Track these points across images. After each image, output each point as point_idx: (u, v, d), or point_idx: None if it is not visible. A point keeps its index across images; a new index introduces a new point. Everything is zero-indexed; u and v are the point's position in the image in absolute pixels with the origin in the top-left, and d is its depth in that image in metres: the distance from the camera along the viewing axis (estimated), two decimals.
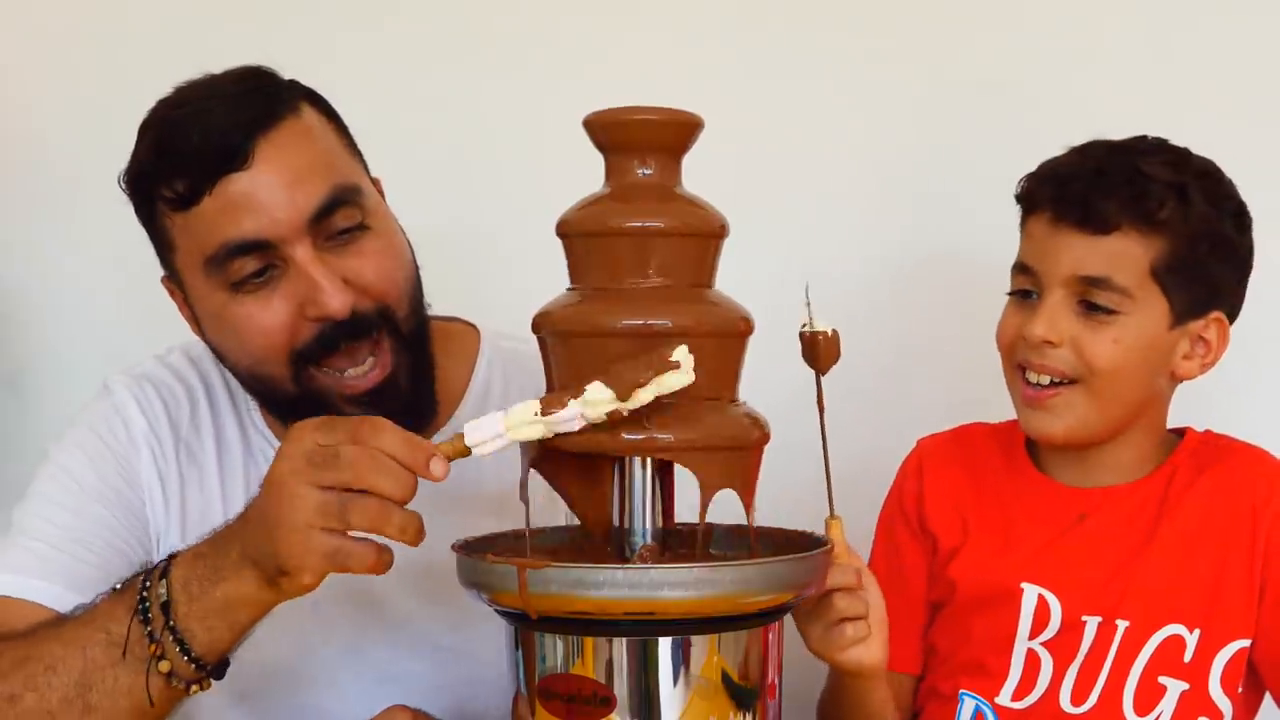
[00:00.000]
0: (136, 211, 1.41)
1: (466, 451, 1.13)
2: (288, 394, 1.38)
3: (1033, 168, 1.56)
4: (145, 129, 1.39)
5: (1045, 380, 1.50)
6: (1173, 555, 1.52)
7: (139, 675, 1.20)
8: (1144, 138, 1.54)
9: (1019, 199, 1.56)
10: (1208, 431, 1.60)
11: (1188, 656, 1.50)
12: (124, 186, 1.41)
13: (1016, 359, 1.52)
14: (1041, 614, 1.53)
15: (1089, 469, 1.56)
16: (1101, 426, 1.52)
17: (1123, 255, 1.47)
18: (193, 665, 1.20)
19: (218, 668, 1.23)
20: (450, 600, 1.37)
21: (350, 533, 1.13)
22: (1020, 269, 1.53)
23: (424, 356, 1.42)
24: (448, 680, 1.45)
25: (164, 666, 1.20)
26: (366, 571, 1.14)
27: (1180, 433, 1.60)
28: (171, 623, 1.19)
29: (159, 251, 1.42)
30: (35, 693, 1.22)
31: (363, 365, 1.37)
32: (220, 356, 1.44)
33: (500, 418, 1.12)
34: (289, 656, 1.46)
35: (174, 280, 1.43)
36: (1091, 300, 1.48)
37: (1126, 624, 1.51)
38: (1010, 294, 1.54)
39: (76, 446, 1.46)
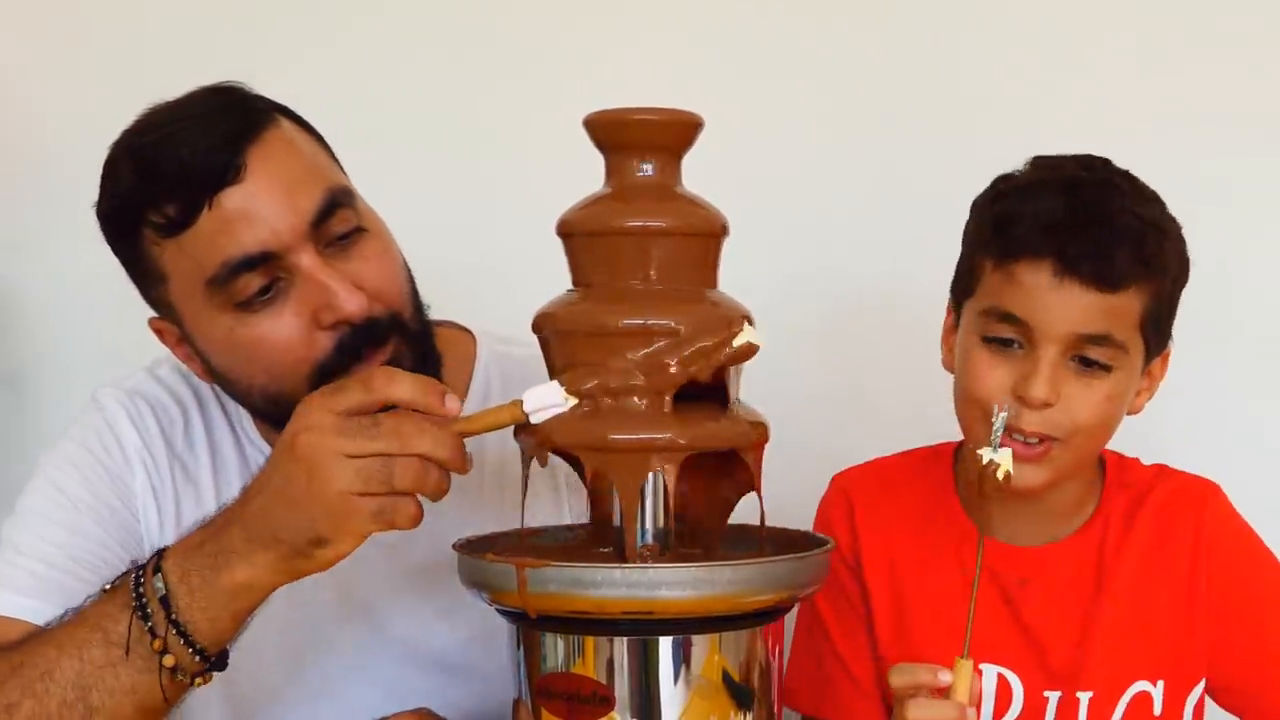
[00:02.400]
0: (116, 247, 1.37)
1: (522, 418, 1.13)
2: None
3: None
4: (119, 159, 1.35)
5: (1034, 439, 1.37)
6: (1124, 609, 1.45)
7: (144, 673, 1.19)
8: (1104, 162, 1.44)
9: (989, 235, 1.41)
10: (1117, 456, 1.52)
11: (1157, 709, 1.44)
12: (99, 220, 1.37)
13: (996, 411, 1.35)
14: (1003, 696, 1.44)
15: (1027, 517, 1.46)
16: (1071, 476, 1.43)
17: (1125, 310, 1.38)
18: (197, 657, 1.20)
19: (220, 659, 1.22)
20: (456, 614, 1.37)
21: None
22: (1004, 317, 1.38)
23: (433, 355, 1.40)
24: (456, 696, 1.42)
25: (169, 661, 1.19)
26: (411, 527, 1.14)
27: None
28: (173, 616, 1.19)
29: (147, 288, 1.38)
30: (33, 699, 1.21)
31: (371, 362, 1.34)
32: (230, 384, 1.38)
33: (557, 384, 1.13)
34: (291, 675, 1.45)
35: (167, 316, 1.38)
36: (1087, 356, 1.37)
37: (1090, 694, 1.44)
38: (986, 339, 1.40)
39: (68, 462, 1.43)
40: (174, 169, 1.29)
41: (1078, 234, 1.36)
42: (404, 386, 1.14)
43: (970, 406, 1.41)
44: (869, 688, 1.50)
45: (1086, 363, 1.38)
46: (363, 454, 1.12)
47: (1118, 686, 1.44)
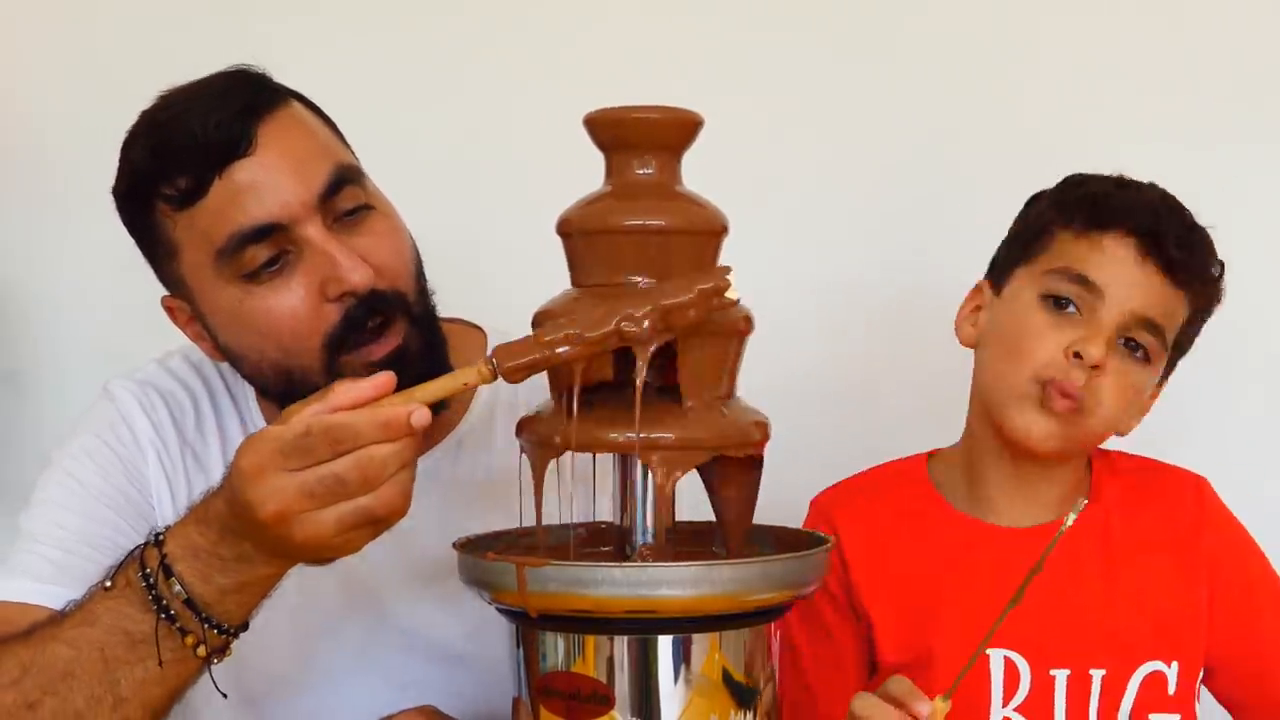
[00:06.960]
0: (131, 225, 1.39)
1: (490, 377, 1.11)
2: (318, 386, 1.34)
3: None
4: (135, 138, 1.37)
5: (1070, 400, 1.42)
6: (1133, 589, 1.48)
7: (177, 663, 1.19)
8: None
9: (1077, 207, 1.46)
10: (1098, 449, 1.54)
11: (1172, 689, 1.47)
12: (116, 200, 1.39)
13: (1047, 375, 1.42)
14: (1011, 678, 1.46)
15: (1026, 501, 1.50)
16: (1070, 456, 1.48)
17: (1177, 310, 1.45)
18: (224, 636, 1.20)
19: (240, 629, 1.22)
20: (463, 606, 1.37)
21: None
22: (1078, 279, 1.43)
23: (439, 340, 1.40)
24: (462, 687, 1.43)
25: (201, 651, 1.19)
26: (397, 517, 1.12)
27: None
28: (204, 615, 1.18)
29: (159, 264, 1.40)
30: (55, 698, 1.20)
31: (379, 340, 1.35)
32: (240, 360, 1.40)
33: (531, 338, 1.11)
34: (297, 663, 1.46)
35: (178, 291, 1.40)
36: (1135, 340, 1.43)
37: (1103, 672, 1.46)
38: (1044, 297, 1.45)
39: (82, 452, 1.45)
40: (186, 142, 1.32)
41: (1170, 224, 1.45)
42: (339, 393, 1.11)
43: (1018, 366, 1.44)
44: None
45: (1132, 346, 1.44)
46: (302, 468, 1.09)
47: (1129, 664, 1.47)
